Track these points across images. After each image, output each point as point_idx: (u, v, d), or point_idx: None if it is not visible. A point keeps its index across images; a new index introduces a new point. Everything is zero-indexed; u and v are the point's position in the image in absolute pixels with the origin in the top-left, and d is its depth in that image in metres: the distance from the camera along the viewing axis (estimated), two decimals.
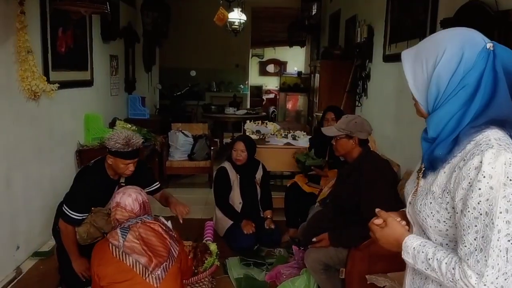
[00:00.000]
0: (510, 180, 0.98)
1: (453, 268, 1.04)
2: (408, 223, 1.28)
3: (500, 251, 0.99)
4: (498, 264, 0.99)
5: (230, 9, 6.78)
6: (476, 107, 1.07)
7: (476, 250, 1.00)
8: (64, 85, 3.82)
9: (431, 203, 1.12)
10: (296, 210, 3.86)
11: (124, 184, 2.67)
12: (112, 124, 5.02)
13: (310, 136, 4.71)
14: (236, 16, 6.84)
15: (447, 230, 1.11)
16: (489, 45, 1.08)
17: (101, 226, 2.65)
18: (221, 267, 3.24)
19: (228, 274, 3.25)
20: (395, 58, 3.98)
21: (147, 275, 2.00)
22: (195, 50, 9.53)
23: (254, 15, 9.84)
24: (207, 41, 9.47)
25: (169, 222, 2.33)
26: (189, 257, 2.60)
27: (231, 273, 3.25)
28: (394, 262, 2.35)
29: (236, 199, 3.86)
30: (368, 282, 2.27)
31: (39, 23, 3.52)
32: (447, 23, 2.85)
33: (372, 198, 2.42)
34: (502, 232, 0.98)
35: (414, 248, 1.13)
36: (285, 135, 4.93)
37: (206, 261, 2.76)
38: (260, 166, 4.01)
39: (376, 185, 2.55)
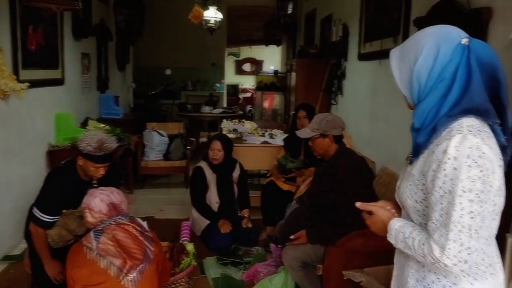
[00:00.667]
0: (475, 162, 1.06)
1: (423, 244, 1.14)
2: (398, 210, 1.37)
3: (463, 227, 1.07)
4: (460, 239, 1.07)
5: (205, 7, 6.74)
6: (453, 99, 1.16)
7: (441, 225, 1.10)
8: (34, 84, 3.71)
9: (410, 185, 1.22)
10: (273, 208, 3.86)
11: (96, 186, 2.61)
12: (84, 124, 4.92)
13: (285, 136, 4.71)
14: (212, 14, 6.79)
15: (424, 210, 1.20)
16: (465, 40, 1.17)
17: (73, 229, 2.58)
18: (198, 267, 3.21)
19: (205, 274, 3.22)
20: (370, 56, 4.02)
21: (122, 277, 1.96)
22: (170, 49, 9.42)
23: (230, 13, 9.79)
24: (183, 40, 9.38)
25: (145, 222, 2.29)
26: (168, 259, 2.56)
27: (208, 273, 3.22)
28: (370, 258, 2.37)
29: (213, 199, 3.83)
30: (345, 278, 2.28)
31: (9, 20, 3.41)
32: (420, 22, 2.88)
33: (348, 195, 2.44)
34: (465, 210, 1.07)
35: (396, 229, 1.24)
36: (262, 133, 4.92)
37: (183, 262, 2.74)
38: (237, 165, 3.99)
39: (352, 182, 2.57)
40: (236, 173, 3.96)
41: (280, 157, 4.09)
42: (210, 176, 3.84)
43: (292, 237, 2.71)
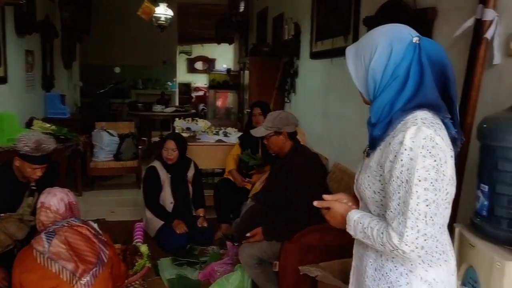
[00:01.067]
0: (429, 152, 1.11)
1: (382, 233, 1.18)
2: (355, 202, 1.41)
3: (420, 214, 1.12)
4: (417, 226, 1.12)
5: (155, 4, 6.60)
6: (407, 95, 1.21)
7: (398, 214, 1.14)
8: None
9: (368, 176, 1.26)
10: (227, 205, 3.83)
11: (35, 188, 2.52)
12: (29, 124, 4.69)
13: (241, 134, 4.70)
14: (162, 11, 6.67)
15: (381, 200, 1.25)
16: (415, 39, 1.22)
17: (13, 233, 2.46)
18: (153, 269, 3.15)
19: (160, 275, 3.15)
20: (322, 55, 4.09)
21: (74, 282, 1.89)
22: (119, 46, 9.16)
23: (181, 11, 9.66)
24: (132, 37, 9.14)
25: (96, 225, 2.21)
26: (122, 262, 2.49)
27: (163, 274, 3.15)
28: (325, 253, 2.42)
29: (167, 199, 3.76)
30: (301, 273, 2.31)
31: None
32: (369, 21, 2.97)
33: (303, 191, 2.47)
34: (421, 198, 1.11)
35: (354, 220, 1.27)
36: (216, 132, 4.89)
37: (136, 264, 2.67)
38: (192, 165, 3.94)
39: (306, 179, 2.60)
40: (190, 173, 3.91)
41: (244, 154, 4.06)
42: (164, 176, 3.76)
43: (248, 234, 2.71)
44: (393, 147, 1.16)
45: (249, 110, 4.38)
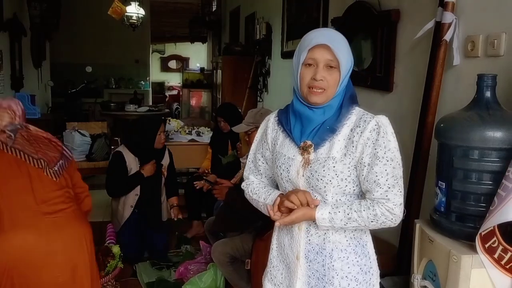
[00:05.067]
0: (393, 134, 1.31)
1: (373, 210, 1.30)
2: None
3: (402, 183, 1.33)
4: (401, 191, 1.32)
5: (127, 3, 6.54)
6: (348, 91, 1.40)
7: (390, 187, 1.29)
8: None
9: (334, 166, 1.33)
10: (199, 202, 3.80)
11: None
12: None
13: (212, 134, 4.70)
14: (134, 10, 6.61)
15: (346, 185, 1.34)
16: None
17: None
18: (130, 270, 3.16)
19: (138, 278, 3.13)
20: (293, 54, 4.12)
21: (44, 169, 1.98)
22: (91, 45, 8.98)
23: (154, 9, 9.57)
24: (104, 35, 8.98)
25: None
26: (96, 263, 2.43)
27: (141, 277, 3.13)
28: None
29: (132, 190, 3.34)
30: None
31: None
32: (337, 22, 3.03)
33: None
34: (400, 170, 1.33)
35: (329, 212, 1.32)
36: (189, 131, 4.88)
37: (108, 265, 2.66)
38: (167, 152, 3.57)
39: None
40: (165, 161, 3.53)
41: (224, 158, 3.97)
42: (132, 163, 3.34)
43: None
44: (369, 135, 1.30)
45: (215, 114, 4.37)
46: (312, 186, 1.36)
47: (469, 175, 1.50)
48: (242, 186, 1.57)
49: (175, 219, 3.46)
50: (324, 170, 1.33)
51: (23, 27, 5.94)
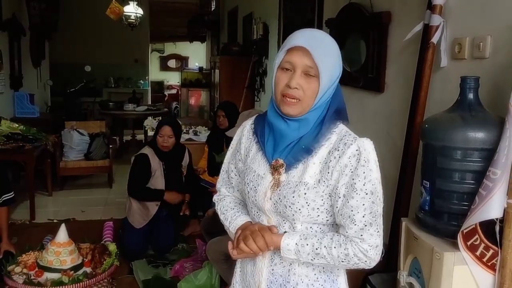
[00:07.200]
0: (376, 163, 1.12)
1: (345, 249, 1.11)
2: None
3: (381, 223, 1.14)
4: (379, 233, 1.13)
5: (125, 2, 6.57)
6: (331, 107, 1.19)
7: (366, 225, 1.10)
8: None
9: (305, 193, 1.14)
10: (195, 200, 3.84)
11: None
12: None
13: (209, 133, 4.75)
14: (132, 9, 6.64)
15: (318, 216, 1.16)
16: None
17: None
18: (126, 267, 3.19)
19: (134, 276, 3.17)
20: None
21: None
22: (90, 44, 9.01)
23: (153, 9, 9.61)
24: (103, 35, 9.02)
25: (63, 225, 2.24)
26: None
27: (138, 275, 3.17)
28: None
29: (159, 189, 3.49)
30: None
31: None
32: (331, 23, 3.07)
33: None
34: (380, 206, 1.13)
35: (296, 243, 1.14)
36: (186, 130, 4.93)
37: (104, 262, 2.70)
38: (186, 152, 3.68)
39: None
40: (185, 162, 3.65)
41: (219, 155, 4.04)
42: (157, 165, 3.45)
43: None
44: (348, 161, 1.10)
45: (215, 111, 4.43)
46: (279, 212, 1.18)
47: (452, 174, 1.54)
48: (213, 199, 1.42)
49: (181, 213, 3.64)
50: (293, 197, 1.14)
51: (22, 27, 5.99)
